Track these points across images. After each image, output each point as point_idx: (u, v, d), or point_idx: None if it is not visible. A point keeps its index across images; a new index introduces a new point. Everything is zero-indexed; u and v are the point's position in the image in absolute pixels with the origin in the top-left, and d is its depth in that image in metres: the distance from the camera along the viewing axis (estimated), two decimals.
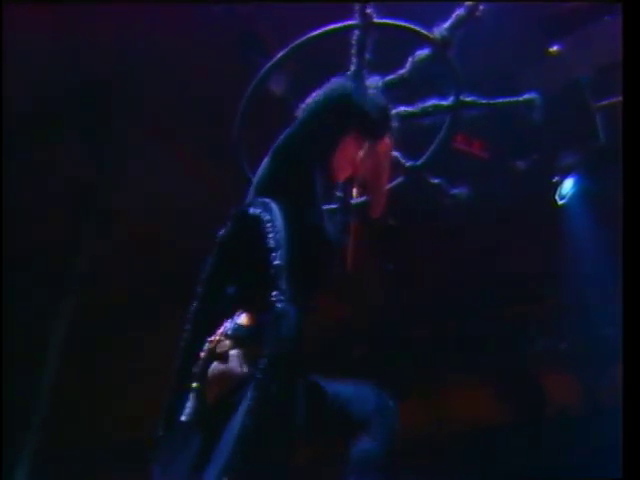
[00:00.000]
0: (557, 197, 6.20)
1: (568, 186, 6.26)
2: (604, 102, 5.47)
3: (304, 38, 3.05)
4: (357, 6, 2.78)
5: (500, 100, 3.16)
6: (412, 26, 3.00)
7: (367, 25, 2.74)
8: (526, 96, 3.14)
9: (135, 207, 6.06)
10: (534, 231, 6.58)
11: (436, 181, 3.03)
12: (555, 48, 4.86)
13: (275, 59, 3.10)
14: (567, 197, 6.26)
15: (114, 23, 4.84)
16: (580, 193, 6.30)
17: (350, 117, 2.50)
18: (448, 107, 3.05)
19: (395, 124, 2.66)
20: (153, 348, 6.42)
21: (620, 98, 5.58)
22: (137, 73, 5.25)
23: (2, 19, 4.29)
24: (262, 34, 5.26)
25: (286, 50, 3.05)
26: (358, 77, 2.67)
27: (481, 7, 2.95)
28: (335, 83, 2.59)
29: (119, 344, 7.19)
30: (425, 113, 3.04)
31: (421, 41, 2.95)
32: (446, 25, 2.91)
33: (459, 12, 3.03)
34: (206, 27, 4.95)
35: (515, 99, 3.16)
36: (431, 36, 2.89)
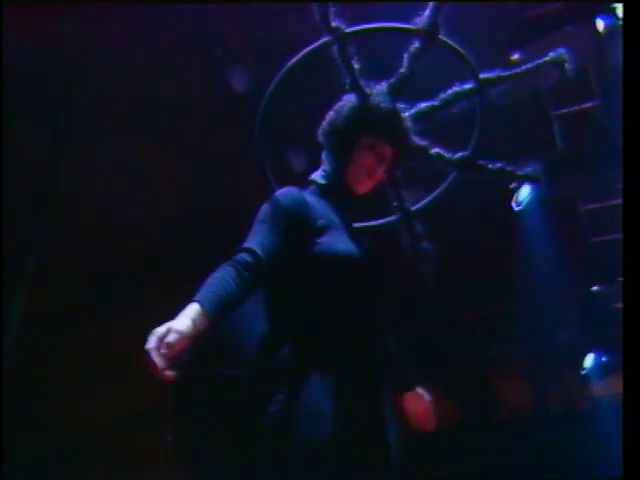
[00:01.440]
0: (514, 203, 6.29)
1: (525, 193, 6.35)
2: (562, 110, 5.58)
3: (286, 68, 3.00)
4: (321, 22, 2.74)
5: (525, 67, 3.06)
6: (390, 25, 2.96)
7: (340, 37, 2.72)
8: (552, 54, 2.96)
9: (90, 204, 5.99)
10: (489, 237, 6.66)
11: (419, 231, 3.00)
12: (515, 56, 4.93)
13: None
14: (524, 204, 6.35)
15: (78, 21, 4.78)
16: (537, 200, 6.39)
17: (359, 128, 2.51)
18: (471, 90, 2.92)
19: (410, 125, 2.62)
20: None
21: (577, 107, 5.72)
22: (99, 70, 5.19)
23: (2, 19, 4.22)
24: (226, 33, 5.25)
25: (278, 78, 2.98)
26: (356, 88, 2.66)
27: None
28: (344, 100, 2.62)
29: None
30: (448, 103, 2.98)
31: (407, 36, 2.89)
32: (425, 14, 2.87)
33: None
34: (171, 26, 4.91)
35: (542, 60, 3.06)
36: (413, 27, 2.85)
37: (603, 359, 8.45)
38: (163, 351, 1.86)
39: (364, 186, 2.50)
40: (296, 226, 2.28)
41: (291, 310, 2.26)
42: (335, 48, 2.72)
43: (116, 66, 5.16)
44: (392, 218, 2.91)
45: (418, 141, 2.85)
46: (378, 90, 2.66)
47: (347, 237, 2.36)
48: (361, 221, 2.76)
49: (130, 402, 7.14)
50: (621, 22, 5.65)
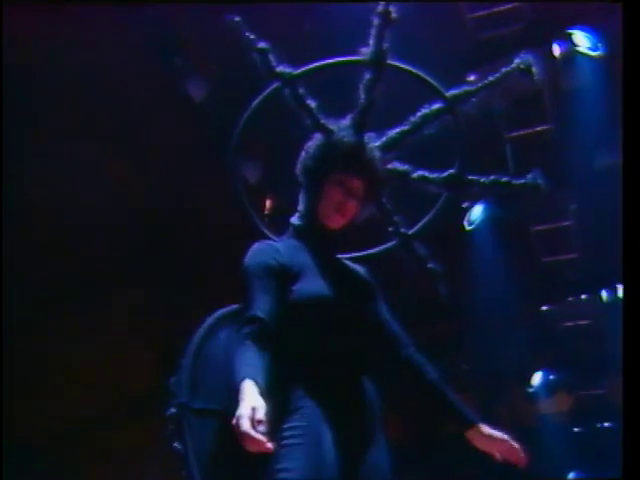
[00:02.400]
0: (466, 222, 6.36)
1: (477, 212, 6.43)
2: (515, 133, 5.68)
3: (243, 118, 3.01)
4: (265, 70, 2.76)
5: (494, 77, 3.01)
6: (336, 60, 2.95)
7: (288, 81, 2.74)
8: (519, 61, 2.89)
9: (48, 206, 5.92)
10: (441, 254, 6.71)
11: (422, 252, 2.97)
12: (472, 78, 4.99)
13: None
14: (476, 223, 6.44)
15: (39, 22, 4.73)
16: (488, 220, 6.48)
17: (326, 165, 2.52)
18: (439, 110, 2.85)
19: (377, 154, 2.59)
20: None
21: (531, 130, 5.81)
22: (56, 72, 5.14)
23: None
24: (182, 37, 5.24)
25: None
26: (318, 126, 2.67)
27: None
28: (313, 139, 2.62)
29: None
30: (418, 127, 2.94)
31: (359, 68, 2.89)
32: (370, 43, 2.86)
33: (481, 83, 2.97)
34: (132, 32, 4.89)
35: (510, 68, 3.01)
36: (360, 59, 2.83)
37: (551, 377, 8.58)
38: (260, 428, 1.92)
39: (335, 222, 2.50)
40: (278, 279, 2.32)
41: (278, 353, 2.27)
42: (286, 92, 2.74)
43: (75, 70, 5.12)
44: (391, 244, 2.89)
45: (399, 167, 2.86)
46: (342, 125, 2.65)
47: (320, 279, 2.38)
48: (360, 250, 2.77)
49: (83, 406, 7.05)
50: (577, 48, 5.80)
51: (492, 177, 2.93)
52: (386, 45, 2.69)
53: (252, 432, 1.90)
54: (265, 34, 2.74)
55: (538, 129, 5.75)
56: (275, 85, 2.79)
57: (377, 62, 2.71)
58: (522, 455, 2.49)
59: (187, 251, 6.60)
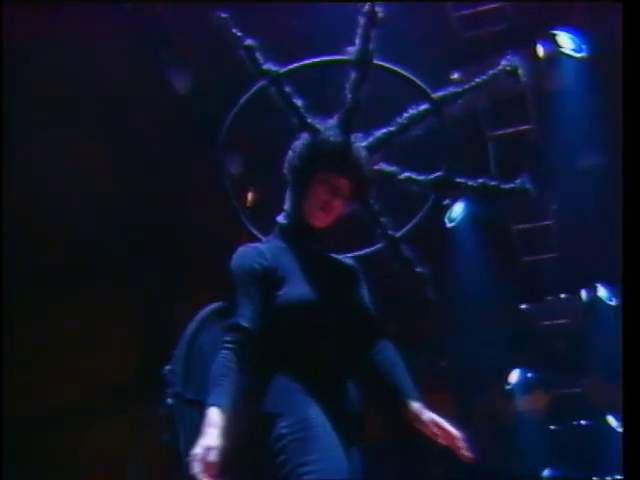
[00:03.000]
0: (447, 220, 6.39)
1: (458, 210, 6.46)
2: (498, 132, 5.70)
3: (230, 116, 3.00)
4: (252, 67, 2.75)
5: (481, 79, 2.97)
6: (323, 59, 2.95)
7: (274, 79, 2.74)
8: (505, 63, 2.88)
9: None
10: (421, 251, 6.73)
11: (409, 255, 2.95)
12: (456, 76, 5.01)
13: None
14: (456, 221, 6.47)
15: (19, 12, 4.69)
16: (469, 218, 6.51)
17: (312, 164, 2.52)
18: (427, 111, 2.86)
19: (364, 154, 2.58)
20: None
21: (513, 129, 5.85)
22: (39, 63, 5.10)
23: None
24: (170, 33, 5.22)
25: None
26: (304, 125, 2.67)
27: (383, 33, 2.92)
28: (300, 138, 2.63)
29: None
30: (405, 127, 2.93)
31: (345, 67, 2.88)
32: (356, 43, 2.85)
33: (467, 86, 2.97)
34: (117, 23, 4.86)
35: (497, 70, 2.89)
36: (346, 58, 2.82)
37: (528, 375, 8.64)
38: (210, 472, 2.03)
39: (320, 220, 2.50)
40: (263, 285, 2.34)
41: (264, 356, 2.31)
42: (273, 90, 2.73)
43: (58, 61, 5.08)
44: (378, 247, 2.89)
45: (386, 167, 2.86)
46: (328, 125, 2.65)
47: (305, 283, 2.38)
48: (349, 251, 2.76)
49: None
50: (560, 49, 5.83)
51: (480, 180, 2.93)
52: (372, 45, 2.68)
53: (202, 476, 2.02)
54: (253, 31, 2.74)
55: (521, 129, 5.78)
56: (261, 83, 2.79)
57: (363, 62, 2.70)
58: (461, 443, 2.42)
59: (172, 243, 6.59)
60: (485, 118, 5.57)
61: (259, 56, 2.71)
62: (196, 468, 2.03)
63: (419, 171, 2.91)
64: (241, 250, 2.46)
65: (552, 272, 7.23)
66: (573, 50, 5.82)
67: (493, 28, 5.30)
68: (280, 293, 2.33)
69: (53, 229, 5.98)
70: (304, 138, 2.61)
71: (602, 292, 7.69)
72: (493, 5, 5.22)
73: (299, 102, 2.74)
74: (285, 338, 2.32)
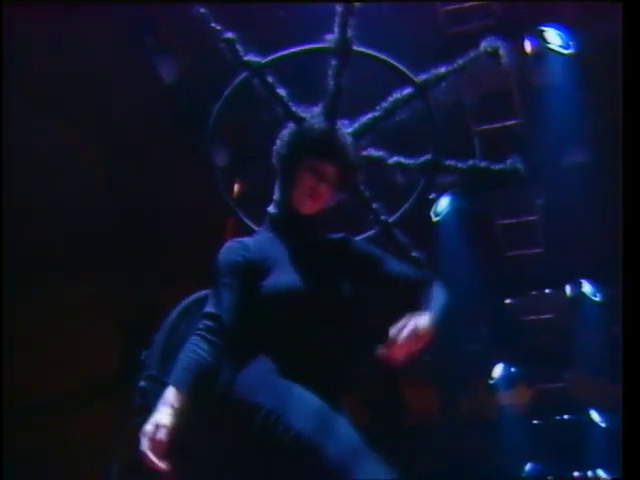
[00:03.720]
0: (433, 214, 6.39)
1: (444, 204, 6.47)
2: (484, 127, 5.71)
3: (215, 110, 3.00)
4: (233, 59, 2.75)
5: (462, 61, 2.94)
6: (303, 48, 2.96)
7: (256, 70, 2.74)
8: (485, 44, 2.93)
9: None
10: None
11: (403, 240, 2.94)
12: (442, 70, 5.00)
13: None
14: (442, 214, 6.47)
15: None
16: (455, 212, 6.52)
17: (298, 152, 2.52)
18: (411, 95, 2.89)
19: (349, 140, 2.58)
20: None
21: (499, 124, 5.86)
22: (24, 53, 5.08)
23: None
24: (157, 20, 5.19)
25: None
26: (289, 114, 2.69)
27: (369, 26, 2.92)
28: (287, 127, 2.64)
29: None
30: (389, 112, 2.93)
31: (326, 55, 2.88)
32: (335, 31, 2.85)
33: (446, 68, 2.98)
34: (103, 11, 4.83)
35: (477, 52, 2.94)
36: (325, 46, 2.83)
37: (512, 370, 8.69)
38: (157, 451, 2.04)
39: (308, 207, 2.49)
40: (245, 277, 2.33)
41: (251, 346, 2.30)
42: (256, 81, 2.74)
43: (43, 50, 5.06)
44: (371, 233, 2.91)
45: (374, 153, 2.86)
46: (313, 112, 2.67)
47: (292, 271, 2.37)
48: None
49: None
50: (548, 45, 5.84)
51: (470, 162, 2.97)
52: (350, 32, 2.71)
53: (149, 454, 2.04)
54: (236, 21, 2.74)
55: (507, 123, 5.79)
56: (244, 75, 2.79)
57: (342, 49, 2.74)
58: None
59: (155, 235, 6.58)
60: (471, 113, 5.58)
61: (239, 48, 2.72)
62: (144, 444, 2.05)
63: (408, 156, 2.94)
64: (226, 245, 2.46)
65: (537, 267, 7.26)
66: (561, 46, 5.82)
67: (480, 24, 5.30)
68: (265, 283, 2.33)
69: (35, 219, 5.97)
70: (290, 127, 2.62)
71: (586, 288, 7.73)
72: (480, 1, 5.23)
73: (283, 92, 2.75)
74: (270, 328, 2.31)
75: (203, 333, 2.24)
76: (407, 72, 2.93)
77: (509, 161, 2.94)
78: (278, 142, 2.60)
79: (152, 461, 2.03)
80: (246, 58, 2.76)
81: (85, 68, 5.31)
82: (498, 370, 8.62)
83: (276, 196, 2.57)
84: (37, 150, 5.60)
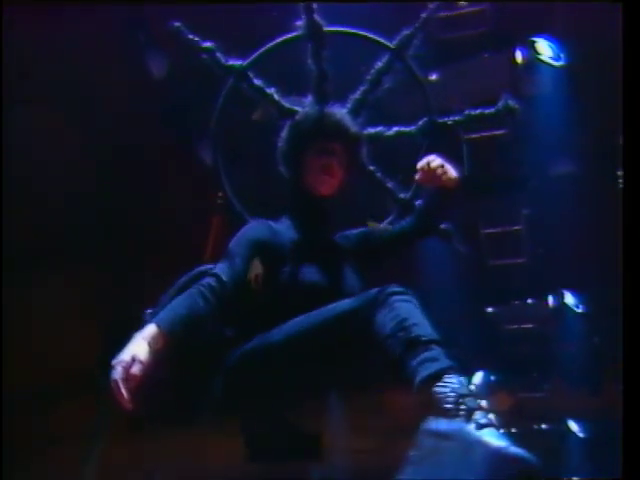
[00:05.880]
0: None
1: None
2: (472, 135, 5.72)
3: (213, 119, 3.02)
4: (216, 67, 2.79)
5: (425, 16, 3.08)
6: (278, 40, 3.00)
7: (240, 74, 2.76)
8: (502, 103, 3.05)
9: None
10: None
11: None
12: (434, 77, 5.03)
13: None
14: None
15: None
16: None
17: (301, 142, 2.58)
18: (390, 60, 3.02)
19: (344, 116, 2.65)
20: None
21: (488, 133, 5.86)
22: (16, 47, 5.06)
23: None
24: (148, 14, 5.19)
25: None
26: (283, 111, 2.74)
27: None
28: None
29: None
30: (376, 82, 3.01)
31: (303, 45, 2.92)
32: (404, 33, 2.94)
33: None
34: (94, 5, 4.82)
35: (493, 110, 3.07)
36: (297, 35, 2.90)
37: (491, 378, 8.70)
38: (129, 384, 1.97)
39: (325, 186, 2.54)
40: (263, 256, 2.35)
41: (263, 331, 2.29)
42: (244, 86, 2.78)
43: (34, 45, 5.04)
44: (393, 216, 3.01)
45: (372, 130, 2.90)
46: (306, 103, 2.76)
47: (312, 261, 2.40)
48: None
49: None
50: (539, 56, 5.87)
51: (465, 112, 3.07)
52: (317, 16, 2.78)
53: (120, 384, 1.97)
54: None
55: (495, 133, 5.81)
56: (231, 82, 2.83)
57: (314, 32, 2.81)
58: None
59: (141, 226, 6.56)
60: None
61: (220, 56, 2.77)
62: (117, 374, 1.99)
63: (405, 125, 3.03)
64: (253, 222, 2.52)
65: (520, 277, 7.28)
66: (551, 58, 5.86)
67: (473, 31, 5.33)
68: (284, 270, 2.36)
69: (19, 211, 5.94)
70: (287, 124, 2.68)
71: (569, 299, 7.76)
72: (474, 8, 5.25)
73: (272, 91, 2.78)
74: (278, 317, 2.30)
75: (203, 289, 2.21)
76: (379, 39, 3.05)
77: (500, 102, 3.05)
78: (280, 141, 2.66)
79: (121, 393, 1.96)
80: (229, 63, 2.80)
81: (84, 67, 5.31)
82: (478, 378, 8.62)
83: (291, 187, 2.62)
84: (36, 150, 5.59)
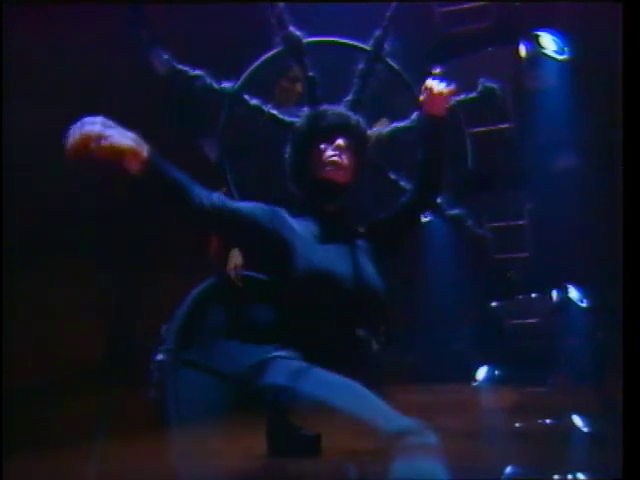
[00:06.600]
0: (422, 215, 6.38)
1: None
2: (476, 129, 5.71)
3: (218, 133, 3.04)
4: (207, 92, 2.82)
5: (389, 14, 3.21)
6: (266, 56, 3.08)
7: (233, 96, 2.79)
8: (480, 86, 3.20)
9: None
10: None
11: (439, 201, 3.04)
12: (437, 70, 5.01)
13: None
14: (430, 216, 6.46)
15: None
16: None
17: (304, 145, 2.60)
18: (368, 61, 3.15)
19: (342, 110, 2.70)
20: None
21: (492, 127, 5.86)
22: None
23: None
24: (147, 10, 5.17)
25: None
26: (283, 125, 2.77)
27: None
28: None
29: None
30: (361, 85, 3.12)
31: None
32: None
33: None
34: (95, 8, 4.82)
35: (475, 94, 3.21)
36: (279, 51, 2.96)
37: (496, 372, 8.70)
38: (98, 140, 2.01)
39: (335, 172, 2.54)
40: (265, 224, 2.36)
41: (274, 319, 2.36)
42: (242, 110, 2.83)
43: (34, 45, 5.04)
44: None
45: (369, 132, 2.94)
46: (302, 113, 2.77)
47: (323, 251, 2.41)
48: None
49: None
50: (542, 50, 5.86)
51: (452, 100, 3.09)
52: (292, 29, 2.82)
53: (90, 136, 2.02)
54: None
55: (499, 127, 5.81)
56: (228, 109, 2.87)
57: (291, 47, 2.94)
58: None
59: (144, 222, 6.56)
60: (464, 114, 5.59)
61: (211, 81, 2.80)
62: (91, 125, 2.03)
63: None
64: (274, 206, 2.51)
65: (524, 271, 7.28)
66: (555, 52, 5.85)
67: (477, 25, 5.32)
68: (298, 258, 2.35)
69: (20, 202, 5.94)
70: (290, 134, 2.69)
71: (573, 293, 7.75)
72: (478, 3, 5.24)
73: (269, 107, 2.85)
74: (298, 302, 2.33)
75: (201, 191, 2.24)
76: (356, 44, 3.14)
77: (479, 87, 3.19)
78: (286, 157, 2.66)
79: (87, 143, 2.01)
80: (221, 86, 2.85)
81: (85, 67, 5.31)
82: (482, 373, 8.62)
83: (300, 180, 2.63)
84: (37, 150, 5.58)
